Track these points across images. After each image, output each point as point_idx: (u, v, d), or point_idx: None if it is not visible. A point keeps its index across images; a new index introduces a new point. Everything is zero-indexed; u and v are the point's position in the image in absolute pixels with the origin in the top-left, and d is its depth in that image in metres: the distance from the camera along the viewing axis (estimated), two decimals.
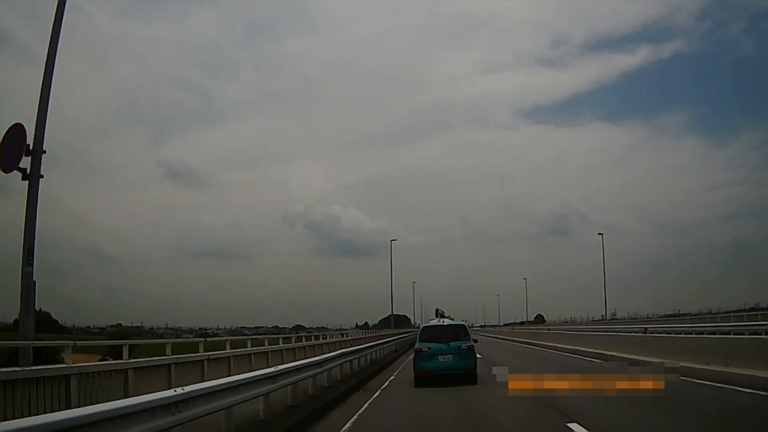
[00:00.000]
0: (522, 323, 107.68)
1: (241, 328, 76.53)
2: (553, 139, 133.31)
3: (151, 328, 71.49)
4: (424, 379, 15.03)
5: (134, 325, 73.62)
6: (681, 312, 60.78)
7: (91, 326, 59.82)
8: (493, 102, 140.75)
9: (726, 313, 45.61)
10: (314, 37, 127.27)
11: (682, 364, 12.84)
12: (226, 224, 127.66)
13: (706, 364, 13.06)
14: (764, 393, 10.47)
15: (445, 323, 16.70)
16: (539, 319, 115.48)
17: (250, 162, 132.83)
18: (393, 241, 64.14)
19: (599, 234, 61.52)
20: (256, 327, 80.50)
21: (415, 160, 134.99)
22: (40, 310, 58.39)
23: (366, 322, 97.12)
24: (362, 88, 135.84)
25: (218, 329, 74.99)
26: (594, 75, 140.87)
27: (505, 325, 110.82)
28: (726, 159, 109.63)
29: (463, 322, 17.98)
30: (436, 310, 19.19)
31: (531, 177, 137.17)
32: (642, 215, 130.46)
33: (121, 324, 70.91)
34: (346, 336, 34.94)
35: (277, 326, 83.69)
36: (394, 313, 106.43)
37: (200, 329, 73.83)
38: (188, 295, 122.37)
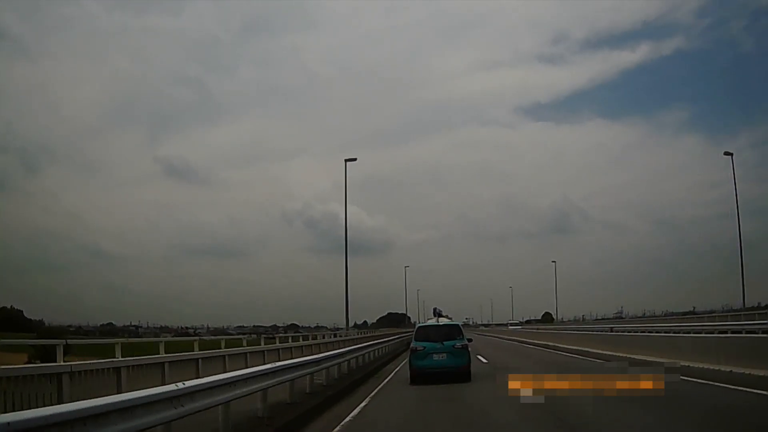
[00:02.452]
0: (528, 322, 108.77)
1: (225, 327, 77.52)
2: (552, 137, 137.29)
3: (136, 327, 72.73)
4: (419, 376, 16.46)
5: (132, 323, 75.67)
6: (696, 310, 61.90)
7: (72, 325, 60.97)
8: (493, 99, 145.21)
9: (748, 310, 46.45)
10: (313, 33, 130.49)
11: (682, 363, 13.60)
12: (225, 222, 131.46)
13: (707, 364, 13.82)
14: (765, 392, 11.09)
15: (439, 323, 18.05)
16: (547, 318, 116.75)
17: (249, 159, 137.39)
18: (350, 162, 40.64)
19: (726, 152, 46.12)
20: (240, 326, 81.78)
21: (415, 158, 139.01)
22: (11, 307, 59.50)
23: (365, 321, 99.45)
24: (361, 85, 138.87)
25: (200, 328, 76.07)
26: (594, 72, 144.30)
27: (510, 323, 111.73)
28: (725, 157, 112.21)
29: (459, 322, 19.26)
30: (434, 309, 20.07)
31: (531, 175, 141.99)
32: (643, 212, 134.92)
33: (112, 323, 73.51)
34: (340, 336, 35.68)
35: (275, 325, 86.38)
36: (392, 311, 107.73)
37: (181, 328, 75.06)
38: (187, 293, 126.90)
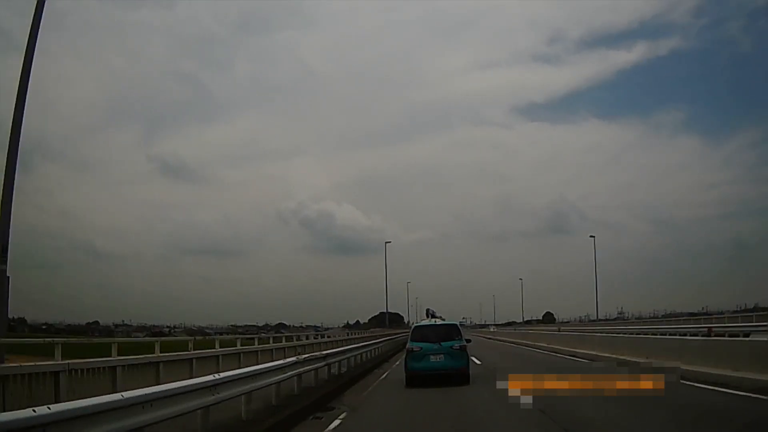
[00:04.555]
0: (528, 322, 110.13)
1: (205, 327, 78.38)
2: (549, 137, 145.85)
3: (116, 326, 73.70)
4: (416, 379, 16.66)
5: (115, 322, 76.64)
6: (705, 309, 63.31)
7: (47, 322, 61.38)
8: (489, 99, 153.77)
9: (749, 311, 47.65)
10: (310, 30, 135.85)
11: (682, 365, 14.36)
12: (220, 221, 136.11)
13: (706, 366, 14.62)
14: (764, 397, 11.85)
15: (437, 323, 18.37)
16: (548, 318, 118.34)
17: (245, 157, 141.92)
18: None
19: None
20: (233, 325, 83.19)
21: (411, 158, 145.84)
22: None
23: (357, 320, 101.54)
24: (358, 84, 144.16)
25: (176, 328, 76.76)
26: (590, 72, 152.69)
27: (507, 324, 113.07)
28: (723, 157, 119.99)
29: (456, 322, 19.66)
30: (427, 310, 20.66)
31: (527, 175, 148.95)
32: (640, 212, 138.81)
33: (98, 321, 74.47)
34: (324, 337, 36.45)
35: (267, 324, 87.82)
36: (388, 311, 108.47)
37: (153, 327, 75.69)
38: (182, 293, 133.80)
